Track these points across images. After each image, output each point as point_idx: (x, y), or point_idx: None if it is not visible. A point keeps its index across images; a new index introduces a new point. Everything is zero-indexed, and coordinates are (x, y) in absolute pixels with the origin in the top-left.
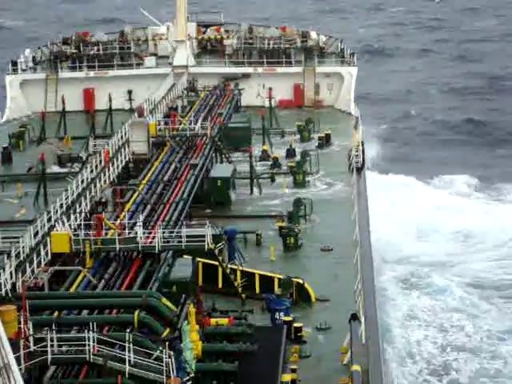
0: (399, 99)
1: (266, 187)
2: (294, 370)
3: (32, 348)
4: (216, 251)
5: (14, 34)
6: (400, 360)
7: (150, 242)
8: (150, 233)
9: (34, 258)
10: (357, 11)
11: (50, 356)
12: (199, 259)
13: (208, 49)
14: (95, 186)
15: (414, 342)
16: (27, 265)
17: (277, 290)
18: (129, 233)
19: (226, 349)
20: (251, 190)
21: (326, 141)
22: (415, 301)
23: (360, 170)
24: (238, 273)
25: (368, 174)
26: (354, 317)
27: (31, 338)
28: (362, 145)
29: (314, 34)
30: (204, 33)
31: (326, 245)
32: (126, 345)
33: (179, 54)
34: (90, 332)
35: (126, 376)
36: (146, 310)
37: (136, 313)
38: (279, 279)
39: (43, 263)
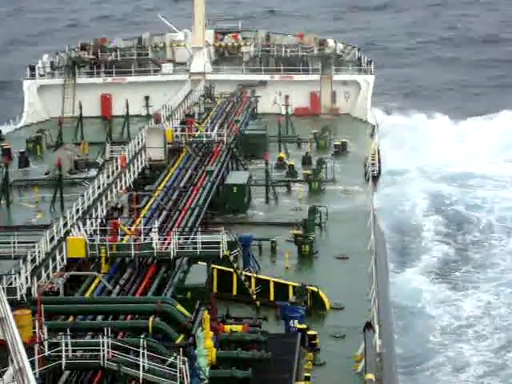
0: None
1: (282, 195)
2: (307, 378)
3: (47, 353)
4: (231, 258)
5: None
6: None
7: (166, 248)
8: (165, 239)
9: (50, 263)
10: None
11: (64, 361)
12: (214, 266)
13: (225, 56)
14: (111, 192)
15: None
16: (43, 269)
17: (291, 297)
18: (144, 239)
19: (239, 356)
20: (267, 197)
21: (342, 149)
22: None
23: (376, 178)
24: (253, 280)
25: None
26: (369, 325)
27: (46, 343)
28: (378, 153)
29: (331, 42)
30: (221, 40)
31: (342, 253)
32: (141, 351)
33: (196, 60)
34: (105, 337)
35: (140, 382)
36: (160, 316)
37: (150, 319)
38: (294, 287)
39: (59, 268)
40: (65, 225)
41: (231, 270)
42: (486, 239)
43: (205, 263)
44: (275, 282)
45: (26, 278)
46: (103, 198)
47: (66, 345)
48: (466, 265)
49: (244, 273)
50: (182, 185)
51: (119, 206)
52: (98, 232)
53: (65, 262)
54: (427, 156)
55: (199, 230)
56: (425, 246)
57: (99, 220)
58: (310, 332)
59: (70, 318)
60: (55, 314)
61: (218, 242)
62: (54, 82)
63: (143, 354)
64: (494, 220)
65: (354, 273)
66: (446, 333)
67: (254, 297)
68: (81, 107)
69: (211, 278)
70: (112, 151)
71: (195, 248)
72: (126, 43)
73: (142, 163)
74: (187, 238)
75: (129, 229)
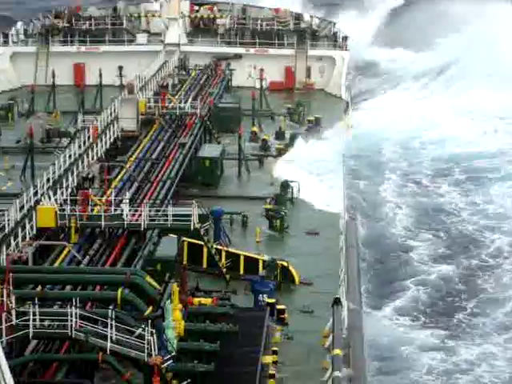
0: None
1: (254, 169)
2: (275, 352)
3: (14, 322)
4: (202, 231)
5: None
6: None
7: (136, 220)
8: (136, 210)
9: (19, 232)
10: None
11: (31, 330)
12: (184, 238)
13: (200, 27)
14: (82, 162)
15: None
16: (12, 238)
17: (261, 271)
18: (115, 210)
19: (208, 329)
20: (239, 171)
21: (315, 124)
22: None
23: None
24: (223, 253)
25: None
26: (337, 301)
27: (13, 312)
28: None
29: (307, 17)
30: (197, 11)
31: (312, 228)
32: (109, 321)
33: (171, 31)
34: (73, 308)
35: (108, 353)
36: (129, 287)
37: (119, 290)
38: (264, 261)
39: (28, 237)
40: (35, 194)
41: (202, 243)
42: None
43: (175, 235)
44: (245, 256)
45: None
46: (74, 168)
47: (34, 314)
48: (467, 302)
49: (214, 246)
50: (154, 156)
51: (90, 176)
52: (69, 202)
53: (34, 231)
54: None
55: (170, 202)
56: (409, 272)
57: (70, 190)
58: (279, 306)
59: (39, 288)
60: (23, 283)
61: (189, 215)
62: (27, 49)
63: (111, 325)
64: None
65: (324, 248)
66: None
67: (224, 270)
68: (54, 75)
69: (181, 251)
70: (84, 121)
71: (166, 220)
72: (101, 12)
73: (114, 134)
74: (158, 210)
75: (99, 199)
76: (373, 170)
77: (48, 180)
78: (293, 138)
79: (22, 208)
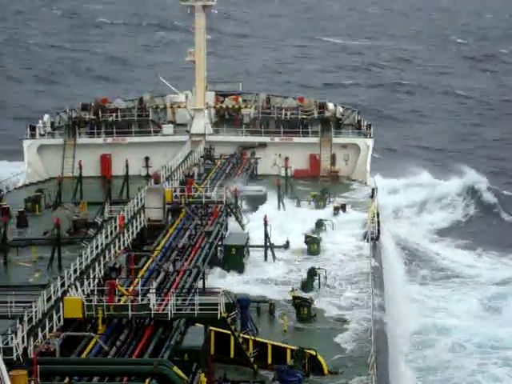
0: None
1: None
2: None
3: None
4: (229, 320)
5: None
6: None
7: (163, 310)
8: (162, 300)
9: (47, 323)
10: None
11: None
12: (211, 328)
13: (226, 117)
14: (109, 252)
15: None
16: (39, 330)
17: (289, 361)
18: (142, 299)
19: None
20: (265, 256)
21: (342, 210)
22: None
23: (375, 240)
24: (251, 343)
25: None
26: None
27: None
28: (378, 216)
29: (331, 105)
30: (222, 102)
31: (341, 316)
32: None
33: (197, 122)
34: None
35: None
36: (157, 378)
37: (147, 381)
38: (292, 350)
39: (55, 328)
40: (62, 285)
41: (229, 332)
42: None
43: (202, 325)
44: (273, 345)
45: (23, 338)
46: (101, 258)
47: None
48: None
49: (242, 335)
50: (180, 245)
51: (117, 266)
52: (96, 292)
53: (61, 322)
54: None
55: (197, 291)
56: None
57: (97, 280)
58: None
59: (66, 379)
60: (51, 375)
61: (216, 304)
62: (54, 141)
63: None
64: None
65: (353, 336)
66: None
67: (252, 360)
68: (80, 167)
69: (208, 340)
70: (111, 211)
71: (193, 310)
72: (127, 104)
73: (140, 223)
74: (185, 300)
75: (126, 289)
76: None
77: (75, 271)
78: (318, 224)
79: (49, 299)
